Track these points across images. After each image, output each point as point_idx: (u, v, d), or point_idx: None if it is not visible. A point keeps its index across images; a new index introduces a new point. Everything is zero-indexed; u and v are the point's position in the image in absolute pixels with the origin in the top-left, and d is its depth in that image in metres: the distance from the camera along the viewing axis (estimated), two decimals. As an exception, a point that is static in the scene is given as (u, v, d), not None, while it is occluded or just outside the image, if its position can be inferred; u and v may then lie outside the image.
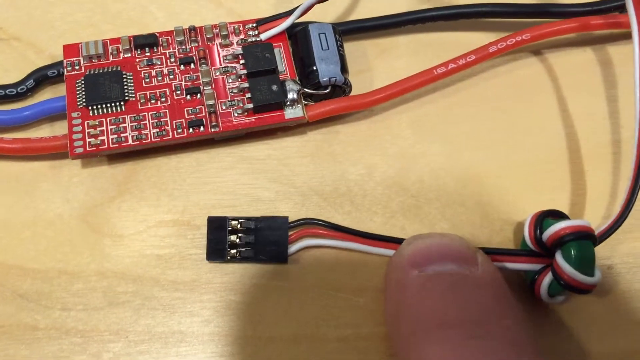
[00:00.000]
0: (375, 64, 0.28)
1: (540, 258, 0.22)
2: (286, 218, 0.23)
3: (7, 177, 0.24)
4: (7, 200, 0.24)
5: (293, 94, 0.25)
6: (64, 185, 0.24)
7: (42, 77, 0.25)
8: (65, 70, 0.25)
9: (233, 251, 0.22)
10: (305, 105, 0.25)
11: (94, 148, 0.23)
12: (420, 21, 0.27)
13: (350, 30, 0.27)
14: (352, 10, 0.28)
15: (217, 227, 0.23)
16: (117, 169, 0.25)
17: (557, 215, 0.23)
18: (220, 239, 0.23)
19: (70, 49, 0.25)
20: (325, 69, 0.25)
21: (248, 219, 0.23)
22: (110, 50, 0.25)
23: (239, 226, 0.23)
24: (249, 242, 0.22)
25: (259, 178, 0.25)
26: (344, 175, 0.25)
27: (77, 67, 0.25)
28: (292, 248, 0.23)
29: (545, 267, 0.22)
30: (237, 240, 0.22)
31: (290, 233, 0.23)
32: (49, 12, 0.27)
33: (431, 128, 0.26)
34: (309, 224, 0.23)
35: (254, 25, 0.26)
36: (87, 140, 0.24)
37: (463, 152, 0.26)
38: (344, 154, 0.26)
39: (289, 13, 0.26)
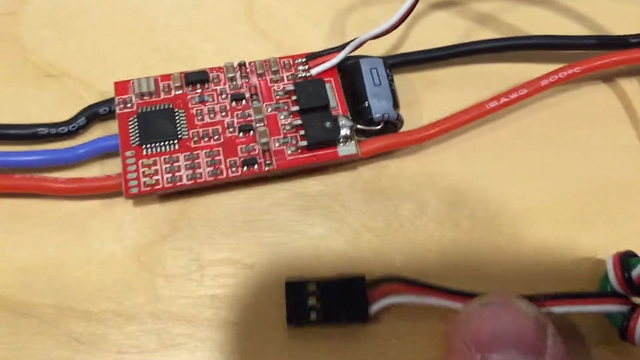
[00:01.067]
0: (423, 97, 0.27)
1: (624, 299, 0.22)
2: (362, 278, 0.22)
3: (60, 216, 0.24)
4: (60, 239, 0.24)
5: (346, 131, 0.24)
6: (117, 224, 0.24)
7: (94, 115, 0.25)
8: (117, 108, 0.25)
9: (313, 315, 0.22)
10: (358, 141, 0.25)
11: (149, 188, 0.23)
12: (469, 54, 0.27)
13: (398, 63, 0.27)
14: (399, 42, 0.28)
15: (295, 291, 0.22)
16: (169, 206, 0.25)
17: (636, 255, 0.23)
18: (299, 302, 0.22)
19: (122, 87, 0.25)
20: (378, 106, 0.25)
21: (326, 282, 0.22)
22: (161, 87, 0.25)
23: (316, 289, 0.22)
24: (328, 303, 0.22)
25: (310, 214, 0.25)
26: (395, 210, 0.25)
27: (128, 105, 0.25)
28: (374, 307, 0.22)
29: (632, 309, 0.21)
30: (316, 303, 0.22)
31: (370, 291, 0.22)
32: (98, 47, 0.27)
33: (481, 161, 0.26)
34: (388, 281, 0.23)
35: (304, 60, 0.26)
36: (142, 180, 0.23)
37: (515, 185, 0.26)
38: (394, 189, 0.26)
39: (339, 48, 0.26)
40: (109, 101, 0.25)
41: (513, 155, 0.26)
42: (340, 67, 0.26)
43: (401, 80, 0.27)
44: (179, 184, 0.24)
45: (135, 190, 0.23)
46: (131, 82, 0.25)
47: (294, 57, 0.26)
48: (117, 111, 0.25)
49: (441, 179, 0.26)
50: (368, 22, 0.28)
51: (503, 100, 0.25)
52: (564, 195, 0.26)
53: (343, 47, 0.26)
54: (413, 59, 0.27)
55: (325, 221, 0.25)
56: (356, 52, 0.26)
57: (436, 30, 0.28)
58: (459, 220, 0.25)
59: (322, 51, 0.26)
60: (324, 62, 0.26)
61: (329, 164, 0.25)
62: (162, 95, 0.25)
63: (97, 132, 0.26)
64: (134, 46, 0.28)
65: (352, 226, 0.25)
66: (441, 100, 0.27)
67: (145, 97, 0.25)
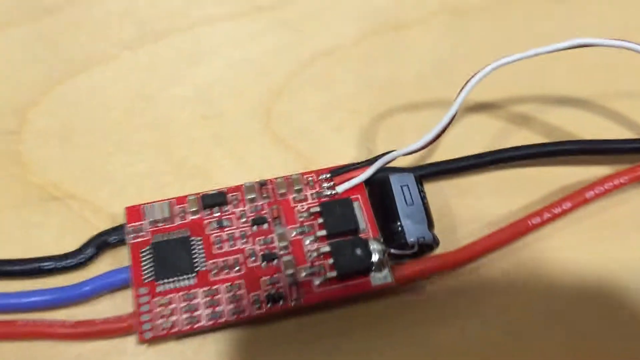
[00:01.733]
0: (455, 207, 0.25)
1: None
2: None
3: (68, 359, 0.22)
4: (69, 386, 0.22)
5: (378, 256, 0.23)
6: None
7: (103, 244, 0.23)
8: (128, 237, 0.23)
9: None
10: (391, 266, 0.23)
11: (165, 332, 0.21)
12: (503, 161, 0.25)
13: (430, 174, 0.25)
14: (428, 149, 0.27)
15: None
16: (186, 344, 0.23)
17: None
18: None
19: (133, 212, 0.23)
20: (412, 228, 0.23)
21: None
22: (176, 212, 0.23)
23: None
24: None
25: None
26: (435, 339, 0.23)
27: (141, 234, 0.23)
28: None
29: None
30: None
31: None
32: (106, 164, 0.25)
33: (529, 279, 0.24)
34: None
35: (329, 176, 0.24)
36: (157, 322, 0.21)
37: (570, 303, 0.24)
38: (432, 316, 0.24)
39: (367, 163, 0.24)
40: (119, 229, 0.23)
41: (562, 268, 0.24)
42: (368, 182, 0.24)
43: (431, 188, 0.25)
44: (197, 325, 0.21)
45: (149, 335, 0.21)
46: (143, 207, 0.23)
47: (317, 173, 0.24)
48: (129, 241, 0.23)
49: (483, 299, 0.24)
50: (395, 127, 0.27)
51: (546, 216, 0.23)
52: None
53: (371, 162, 0.24)
54: (446, 169, 0.25)
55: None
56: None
57: (468, 134, 0.27)
58: (507, 346, 0.23)
59: (348, 165, 0.24)
60: (350, 179, 0.24)
61: (361, 294, 0.23)
62: (178, 221, 0.23)
63: (107, 261, 0.23)
64: (147, 161, 0.26)
65: (387, 360, 0.23)
66: (475, 209, 0.25)
67: (159, 224, 0.23)
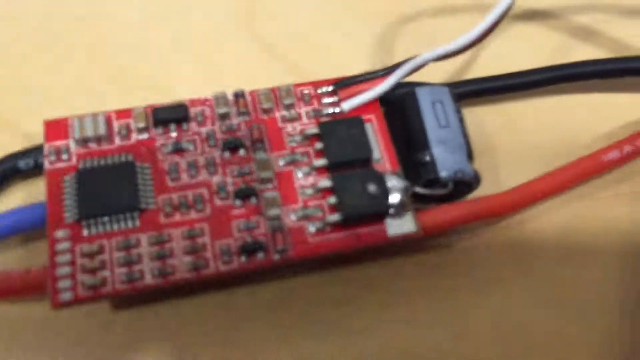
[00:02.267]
0: (498, 141, 0.19)
1: None
2: None
3: None
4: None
5: (398, 197, 0.16)
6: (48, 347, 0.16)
7: (11, 171, 0.17)
8: (46, 160, 0.16)
9: None
10: (415, 210, 0.17)
11: (92, 292, 0.15)
12: (560, 80, 0.19)
13: (467, 93, 0.19)
14: (462, 65, 0.20)
15: None
16: (122, 315, 0.16)
17: None
18: None
19: (55, 127, 0.16)
20: (446, 158, 0.17)
21: None
22: (116, 129, 0.17)
23: None
24: None
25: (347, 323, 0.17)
26: (469, 312, 0.17)
27: (64, 157, 0.16)
28: None
29: None
30: None
31: None
32: (20, 68, 0.19)
33: (588, 238, 0.18)
34: None
35: (331, 88, 0.18)
36: (80, 278, 0.15)
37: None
38: (465, 281, 0.17)
39: (384, 72, 0.18)
40: (35, 150, 0.17)
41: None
42: (385, 99, 0.18)
43: (467, 116, 0.19)
44: (139, 283, 0.15)
45: (67, 296, 0.14)
46: (70, 120, 0.17)
47: (316, 85, 0.18)
48: (46, 166, 0.16)
49: (532, 259, 0.18)
50: (420, 35, 0.20)
51: (627, 149, 0.17)
52: None
53: (390, 70, 0.18)
54: (488, 88, 0.19)
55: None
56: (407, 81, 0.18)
57: (515, 47, 0.20)
58: (564, 329, 0.17)
59: (358, 76, 0.18)
60: (361, 92, 0.18)
61: (371, 247, 0.17)
62: (118, 142, 0.17)
63: (17, 195, 0.17)
64: (82, 69, 0.19)
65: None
66: (525, 146, 0.19)
67: (90, 145, 0.16)
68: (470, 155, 0.17)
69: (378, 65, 0.19)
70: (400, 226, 0.16)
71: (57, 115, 0.17)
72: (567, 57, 0.20)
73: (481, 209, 0.17)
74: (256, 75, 0.19)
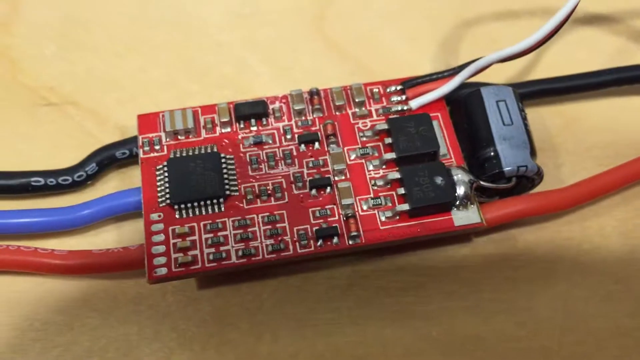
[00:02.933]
0: (559, 140, 0.20)
1: None
2: None
3: (58, 301, 0.18)
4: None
5: (463, 189, 0.17)
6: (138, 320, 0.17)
7: (108, 160, 0.18)
8: (140, 150, 0.18)
9: None
10: (479, 203, 0.18)
11: (183, 269, 0.16)
12: (624, 82, 0.20)
13: (531, 94, 0.20)
14: (525, 66, 0.21)
15: None
16: (207, 294, 0.18)
17: None
18: None
19: (148, 121, 0.18)
20: (510, 154, 0.17)
21: None
22: (202, 123, 0.18)
23: None
24: None
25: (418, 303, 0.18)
26: (528, 308, 0.18)
27: (157, 147, 0.18)
28: None
29: None
30: None
31: None
32: (116, 67, 0.20)
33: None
34: None
35: (399, 87, 0.19)
36: (173, 256, 0.16)
37: None
38: (525, 276, 0.18)
39: (450, 72, 0.19)
40: (130, 141, 0.18)
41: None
42: (450, 99, 0.19)
43: (529, 116, 0.20)
44: (225, 262, 0.16)
45: (163, 272, 0.16)
46: (161, 115, 0.18)
47: (385, 84, 0.19)
48: (141, 155, 0.18)
49: (593, 256, 0.19)
50: (484, 37, 0.21)
51: None
52: None
53: (456, 70, 0.19)
54: (552, 89, 0.19)
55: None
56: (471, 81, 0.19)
57: (575, 51, 0.21)
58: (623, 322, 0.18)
59: (425, 76, 0.19)
60: (428, 91, 0.19)
61: (437, 236, 0.18)
62: (204, 134, 0.18)
63: (113, 183, 0.19)
64: (166, 67, 0.21)
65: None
66: (585, 146, 0.20)
67: (180, 137, 0.18)
68: (533, 152, 0.18)
69: (442, 67, 0.20)
70: (465, 217, 0.17)
71: (144, 110, 0.19)
72: (626, 60, 0.20)
73: (543, 203, 0.18)
74: (326, 75, 0.20)
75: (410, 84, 0.19)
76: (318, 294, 0.17)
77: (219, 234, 0.17)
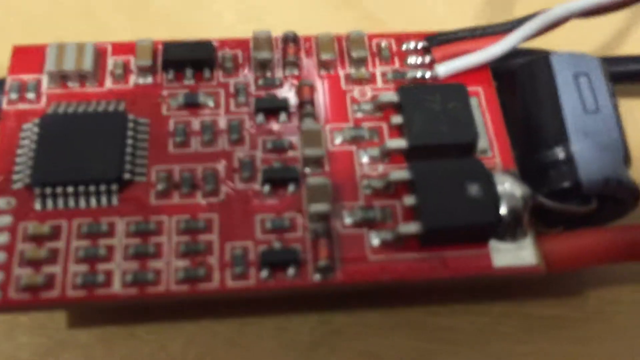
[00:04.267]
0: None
1: None
2: None
3: None
4: None
5: (511, 208, 0.11)
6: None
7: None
8: (4, 99, 0.12)
9: None
10: (536, 234, 0.11)
11: (28, 295, 0.10)
12: None
13: (618, 75, 0.13)
14: (612, 35, 0.15)
15: None
16: (78, 337, 0.11)
17: None
18: None
19: (26, 56, 0.12)
20: (593, 159, 0.11)
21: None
22: (110, 67, 0.12)
23: None
24: None
25: None
26: None
27: (30, 96, 0.11)
28: None
29: None
30: None
31: None
32: None
33: None
34: None
35: (422, 44, 0.13)
36: (15, 272, 0.10)
37: None
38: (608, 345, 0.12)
39: (502, 28, 0.12)
40: (-7, 85, 0.13)
41: None
42: (499, 69, 0.12)
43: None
44: (102, 292, 0.10)
45: None
46: (47, 47, 0.12)
47: (400, 38, 0.13)
48: (3, 106, 0.12)
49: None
50: None
51: None
52: None
53: (510, 26, 0.12)
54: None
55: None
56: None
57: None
58: None
59: (461, 31, 0.12)
60: (464, 53, 0.12)
61: (465, 281, 0.11)
62: (109, 84, 0.12)
63: None
64: None
65: None
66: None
67: (70, 84, 0.12)
68: (627, 158, 0.11)
69: (482, 21, 0.14)
70: (512, 255, 0.11)
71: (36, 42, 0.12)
72: None
73: (631, 239, 0.11)
74: (315, 23, 0.14)
75: (439, 41, 0.12)
76: (260, 355, 0.11)
77: (101, 242, 0.10)
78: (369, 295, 0.11)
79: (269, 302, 0.11)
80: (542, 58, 0.12)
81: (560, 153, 0.11)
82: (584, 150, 0.11)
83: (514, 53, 0.13)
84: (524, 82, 0.12)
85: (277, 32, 0.13)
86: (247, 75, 0.12)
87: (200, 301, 0.11)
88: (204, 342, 0.11)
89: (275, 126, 0.11)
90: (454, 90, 0.12)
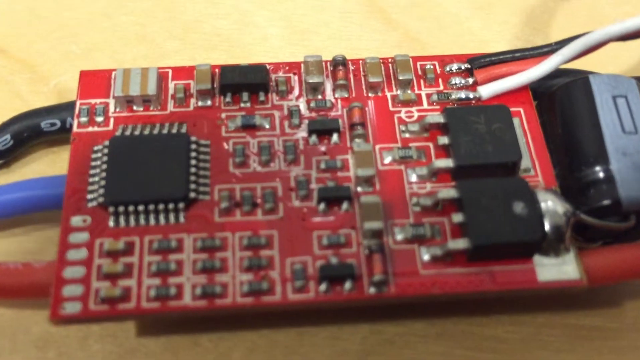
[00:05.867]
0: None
1: None
2: None
3: None
4: None
5: (554, 225, 0.12)
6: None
7: (30, 132, 0.13)
8: (75, 121, 0.12)
9: None
10: (579, 249, 0.12)
11: (107, 307, 0.10)
12: None
13: None
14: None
15: None
16: (148, 345, 0.12)
17: None
18: None
19: (93, 81, 0.13)
20: (633, 178, 0.11)
21: None
22: (171, 91, 0.13)
23: None
24: None
25: None
26: None
27: (99, 119, 0.12)
28: None
29: None
30: None
31: None
32: (68, 7, 0.15)
33: None
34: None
35: (465, 66, 0.13)
36: (94, 285, 0.11)
37: None
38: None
39: (543, 51, 0.13)
40: (64, 108, 0.13)
41: None
42: (539, 89, 0.13)
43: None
44: (174, 303, 0.11)
45: (75, 308, 0.10)
46: (113, 74, 0.13)
47: (444, 60, 0.13)
48: (74, 129, 0.12)
49: None
50: (585, 9, 0.16)
51: None
52: None
53: (551, 48, 0.13)
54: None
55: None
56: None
57: None
58: None
59: (503, 53, 0.13)
60: (507, 75, 0.13)
61: (511, 294, 0.12)
62: (171, 107, 0.13)
63: (38, 167, 0.13)
64: (139, 14, 0.15)
65: None
66: None
67: (135, 108, 0.12)
68: None
69: (521, 44, 0.15)
70: (556, 270, 0.11)
71: (98, 66, 0.13)
72: None
73: None
74: (361, 45, 0.15)
75: (482, 63, 0.13)
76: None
77: (171, 257, 0.11)
78: (418, 306, 0.12)
79: (323, 312, 0.12)
80: (581, 79, 0.13)
81: (600, 172, 0.12)
82: (622, 169, 0.12)
83: (553, 74, 0.13)
84: (563, 102, 0.13)
85: (322, 53, 0.14)
86: (299, 97, 0.13)
87: (261, 312, 0.11)
88: (264, 350, 0.12)
89: (327, 147, 0.12)
90: (497, 111, 0.12)
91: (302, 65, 0.13)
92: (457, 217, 0.11)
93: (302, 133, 0.12)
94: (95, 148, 0.12)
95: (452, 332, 0.12)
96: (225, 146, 0.12)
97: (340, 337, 0.12)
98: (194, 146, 0.12)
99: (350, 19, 0.16)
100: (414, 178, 0.12)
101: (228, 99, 0.13)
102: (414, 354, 0.12)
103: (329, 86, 0.13)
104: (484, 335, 0.12)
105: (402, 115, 0.13)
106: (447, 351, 0.12)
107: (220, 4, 0.16)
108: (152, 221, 0.11)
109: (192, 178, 0.12)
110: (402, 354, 0.12)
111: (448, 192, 0.11)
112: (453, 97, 0.13)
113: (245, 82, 0.13)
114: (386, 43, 0.15)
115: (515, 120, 0.13)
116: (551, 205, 0.11)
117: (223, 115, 0.12)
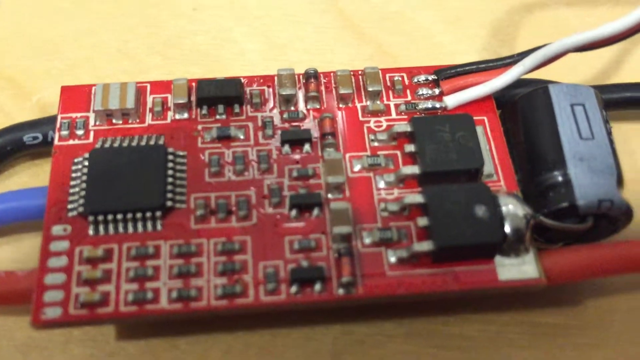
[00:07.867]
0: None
1: None
2: None
3: None
4: None
5: (515, 227, 0.12)
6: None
7: (12, 145, 0.13)
8: (56, 135, 0.13)
9: None
10: (538, 250, 0.12)
11: (86, 311, 0.11)
12: None
13: (615, 102, 0.14)
14: (605, 66, 0.16)
15: None
16: (127, 348, 0.12)
17: None
18: None
19: (73, 95, 0.13)
20: (589, 182, 0.12)
21: None
22: (149, 104, 0.13)
23: None
24: None
25: None
26: None
27: (79, 132, 0.13)
28: None
29: None
30: None
31: None
32: (53, 25, 0.16)
33: None
34: None
35: (431, 77, 0.14)
36: (74, 291, 0.11)
37: None
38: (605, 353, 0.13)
39: (506, 62, 0.13)
40: (46, 122, 0.13)
41: None
42: (503, 99, 0.14)
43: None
44: (151, 307, 0.11)
45: (55, 313, 0.11)
46: (93, 88, 0.13)
47: (411, 72, 0.14)
48: (55, 142, 0.13)
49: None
50: (550, 23, 0.16)
51: None
52: None
53: (513, 59, 0.13)
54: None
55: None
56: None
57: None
58: None
59: (468, 65, 0.14)
60: (471, 86, 0.14)
61: (473, 293, 0.12)
62: (149, 120, 0.13)
63: (20, 179, 0.14)
64: (121, 31, 0.16)
65: None
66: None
67: (115, 121, 0.13)
68: (620, 181, 0.12)
69: (489, 55, 0.15)
70: (516, 269, 0.12)
71: (79, 81, 0.14)
72: None
73: (632, 257, 0.12)
74: (334, 59, 0.15)
75: (447, 74, 0.14)
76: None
77: (148, 263, 0.11)
78: (387, 307, 0.12)
79: (295, 314, 0.12)
80: (541, 88, 0.13)
81: (558, 176, 0.12)
82: (579, 173, 0.12)
83: (516, 83, 0.14)
84: (525, 110, 0.13)
85: (297, 66, 0.14)
86: (273, 109, 0.13)
87: (235, 314, 0.12)
88: (240, 351, 0.12)
89: (299, 156, 0.13)
90: (462, 120, 0.13)
91: (276, 78, 0.13)
92: (423, 221, 0.12)
93: (275, 143, 0.13)
94: (76, 160, 0.12)
95: (421, 331, 0.12)
96: (202, 157, 0.13)
97: (312, 337, 0.12)
98: (171, 157, 0.12)
99: (325, 34, 0.16)
100: (382, 184, 0.12)
101: (204, 112, 0.13)
102: (384, 353, 0.12)
103: (301, 98, 0.13)
104: (452, 334, 0.12)
105: (372, 124, 0.13)
106: (416, 350, 0.12)
107: (200, 21, 0.16)
108: (130, 229, 0.12)
109: (169, 187, 0.12)
110: (373, 354, 0.12)
111: (414, 197, 0.12)
112: (420, 107, 0.13)
113: (220, 95, 0.13)
114: (359, 56, 0.15)
115: (479, 129, 0.13)
116: (512, 208, 0.12)
117: (199, 127, 0.13)
